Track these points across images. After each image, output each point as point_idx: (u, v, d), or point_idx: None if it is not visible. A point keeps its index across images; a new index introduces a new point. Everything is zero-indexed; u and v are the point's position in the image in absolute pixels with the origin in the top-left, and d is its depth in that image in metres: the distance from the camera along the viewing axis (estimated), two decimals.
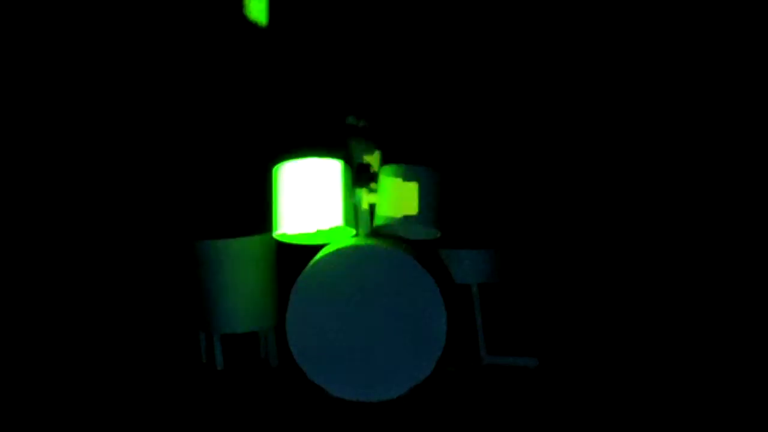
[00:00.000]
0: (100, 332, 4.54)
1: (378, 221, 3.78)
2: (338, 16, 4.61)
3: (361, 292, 3.59)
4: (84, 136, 4.70)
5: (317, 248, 3.74)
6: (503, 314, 4.42)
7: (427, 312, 3.55)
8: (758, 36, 4.40)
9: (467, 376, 4.01)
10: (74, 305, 4.61)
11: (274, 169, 3.74)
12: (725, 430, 3.26)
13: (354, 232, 3.76)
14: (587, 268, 4.54)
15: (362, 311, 3.59)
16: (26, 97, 4.66)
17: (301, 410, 3.61)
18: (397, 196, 3.74)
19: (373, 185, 3.79)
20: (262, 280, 4.14)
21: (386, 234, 3.80)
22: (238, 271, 4.09)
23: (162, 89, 4.70)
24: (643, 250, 4.52)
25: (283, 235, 3.75)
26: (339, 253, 3.59)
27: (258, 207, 4.02)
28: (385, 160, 3.84)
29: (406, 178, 3.74)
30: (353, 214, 3.76)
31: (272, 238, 3.82)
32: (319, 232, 3.70)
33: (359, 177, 3.78)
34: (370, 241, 3.63)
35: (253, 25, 4.56)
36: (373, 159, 3.83)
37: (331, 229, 3.71)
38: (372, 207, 3.80)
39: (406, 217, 3.73)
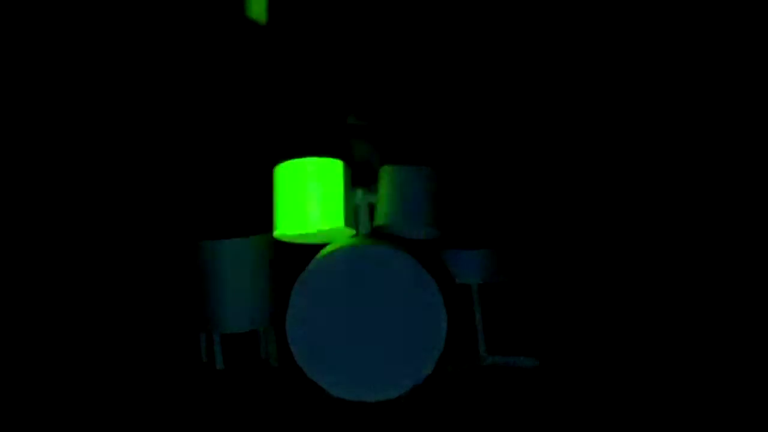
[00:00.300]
0: (100, 332, 4.54)
1: (378, 221, 3.78)
2: (338, 16, 4.61)
3: (361, 292, 3.59)
4: (84, 137, 4.70)
5: (317, 248, 3.74)
6: (503, 314, 4.42)
7: (427, 312, 3.55)
8: (758, 36, 4.40)
9: (467, 376, 4.01)
10: (74, 305, 4.61)
11: (274, 170, 3.74)
12: (725, 430, 3.26)
13: (354, 232, 3.77)
14: (587, 267, 4.54)
15: (362, 311, 3.59)
16: (27, 98, 4.66)
17: (301, 410, 3.61)
18: (397, 197, 3.74)
19: (373, 185, 3.80)
20: (262, 280, 4.15)
21: (386, 234, 3.80)
22: (238, 271, 4.09)
23: (161, 89, 4.70)
24: (644, 249, 4.52)
25: (283, 235, 3.75)
26: (339, 253, 3.59)
27: (258, 207, 4.03)
28: (385, 160, 3.84)
29: (406, 178, 3.75)
30: (353, 214, 3.76)
31: (272, 238, 3.82)
32: (319, 232, 3.70)
33: (359, 177, 3.78)
34: (370, 241, 3.63)
35: (253, 25, 4.56)
36: (373, 159, 3.83)
37: (331, 229, 3.71)
38: (372, 207, 3.80)
39: (407, 217, 3.73)
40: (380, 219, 3.77)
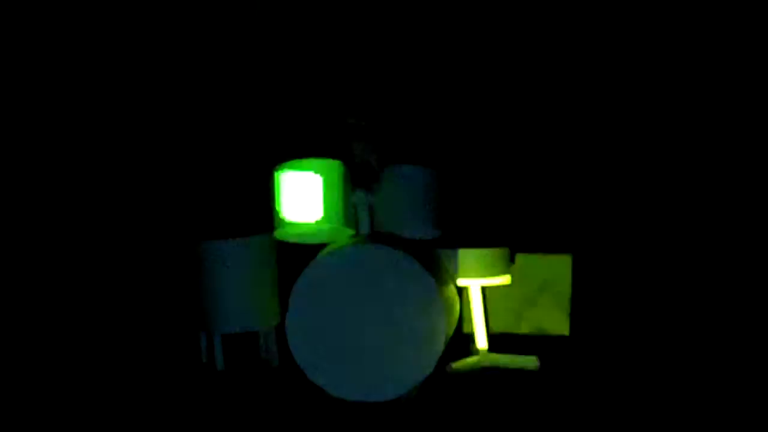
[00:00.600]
0: (100, 332, 4.55)
1: (378, 222, 3.78)
2: (339, 16, 4.61)
3: (361, 293, 3.59)
4: (84, 137, 4.70)
5: (317, 248, 3.74)
6: (503, 314, 4.42)
7: (427, 312, 3.55)
8: (758, 36, 4.40)
9: (467, 376, 4.02)
10: (75, 305, 4.61)
11: (274, 170, 3.74)
12: (725, 430, 3.26)
13: (354, 232, 3.76)
14: (588, 267, 4.54)
15: (362, 311, 3.59)
16: (28, 99, 4.66)
17: (301, 410, 3.61)
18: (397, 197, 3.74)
19: (373, 185, 3.79)
20: (262, 280, 4.15)
21: (386, 234, 3.80)
22: (238, 271, 4.10)
23: (161, 89, 4.70)
24: (644, 249, 4.52)
25: (283, 235, 3.75)
26: (339, 254, 3.59)
27: (258, 208, 4.03)
28: (385, 160, 3.84)
29: (407, 178, 3.75)
30: (353, 214, 3.76)
31: (272, 238, 3.82)
32: (319, 232, 3.70)
33: (359, 177, 3.78)
34: (370, 242, 3.63)
35: (253, 25, 4.56)
36: (373, 159, 3.83)
37: (330, 230, 3.71)
38: (372, 207, 3.80)
39: (406, 217, 3.73)
40: (381, 220, 3.77)
